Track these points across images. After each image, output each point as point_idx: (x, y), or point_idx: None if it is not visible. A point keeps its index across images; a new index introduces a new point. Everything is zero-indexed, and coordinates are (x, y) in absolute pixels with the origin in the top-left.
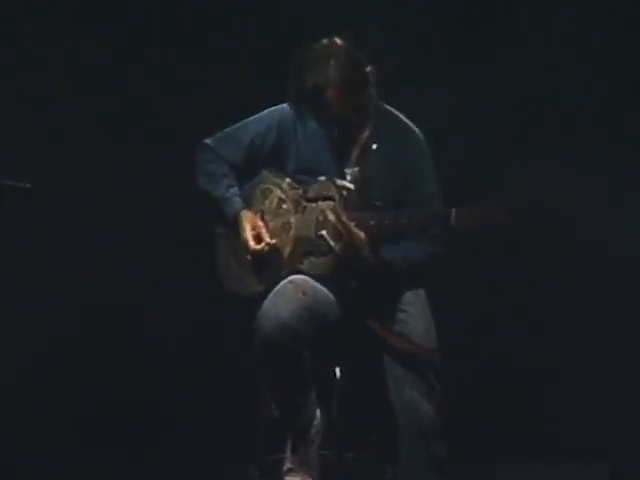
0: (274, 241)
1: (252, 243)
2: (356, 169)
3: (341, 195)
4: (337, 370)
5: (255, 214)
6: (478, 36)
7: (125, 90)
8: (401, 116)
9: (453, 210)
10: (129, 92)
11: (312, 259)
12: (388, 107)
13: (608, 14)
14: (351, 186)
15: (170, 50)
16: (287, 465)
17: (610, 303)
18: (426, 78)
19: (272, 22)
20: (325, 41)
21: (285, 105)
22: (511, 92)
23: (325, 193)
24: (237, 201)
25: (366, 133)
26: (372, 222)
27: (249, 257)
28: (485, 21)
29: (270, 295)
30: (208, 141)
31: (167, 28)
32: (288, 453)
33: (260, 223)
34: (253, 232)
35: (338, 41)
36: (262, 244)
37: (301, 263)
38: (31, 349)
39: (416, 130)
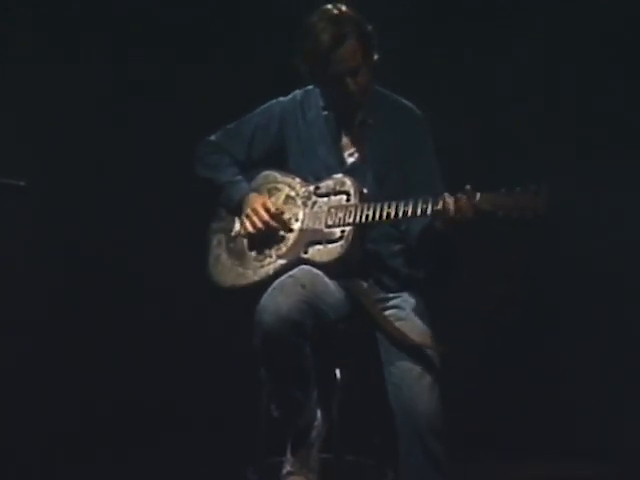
0: (281, 212)
1: (262, 212)
2: (353, 150)
3: (356, 190)
4: (337, 371)
5: (265, 197)
6: (479, 31)
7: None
8: (396, 96)
9: (478, 193)
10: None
11: (318, 247)
12: (383, 89)
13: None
14: (365, 190)
15: (170, 48)
16: (287, 468)
17: (620, 302)
18: (425, 76)
19: (268, 20)
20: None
21: (286, 98)
22: (513, 87)
23: (339, 188)
24: (245, 186)
25: (363, 111)
26: (388, 210)
27: (253, 229)
28: (486, 16)
29: (269, 289)
30: (211, 137)
31: (163, 27)
32: (288, 456)
33: (269, 201)
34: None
35: (344, 7)
36: (271, 213)
37: (305, 252)
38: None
39: (413, 107)
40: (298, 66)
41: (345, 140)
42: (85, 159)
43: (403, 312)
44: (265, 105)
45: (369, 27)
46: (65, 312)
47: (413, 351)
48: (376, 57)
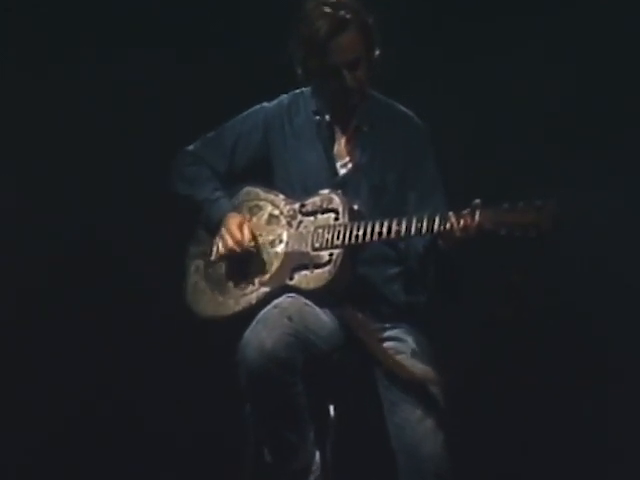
0: (259, 234)
1: (237, 232)
2: (347, 159)
3: (345, 207)
4: (331, 408)
5: (244, 218)
6: (479, 31)
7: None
8: (393, 102)
9: (478, 211)
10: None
11: (304, 273)
12: (378, 94)
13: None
14: (355, 206)
15: (170, 48)
16: None
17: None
18: (425, 76)
19: (268, 20)
20: None
21: (271, 103)
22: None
23: (326, 206)
24: (225, 204)
25: (359, 115)
26: (380, 230)
27: (225, 251)
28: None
29: (253, 322)
30: (189, 147)
31: (163, 27)
32: None
33: (246, 222)
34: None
35: None
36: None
37: (290, 278)
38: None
39: (413, 115)
40: (292, 54)
41: (338, 148)
42: (85, 159)
43: (404, 345)
44: (248, 111)
45: (370, 19)
46: (65, 311)
47: (416, 388)
48: (377, 52)
